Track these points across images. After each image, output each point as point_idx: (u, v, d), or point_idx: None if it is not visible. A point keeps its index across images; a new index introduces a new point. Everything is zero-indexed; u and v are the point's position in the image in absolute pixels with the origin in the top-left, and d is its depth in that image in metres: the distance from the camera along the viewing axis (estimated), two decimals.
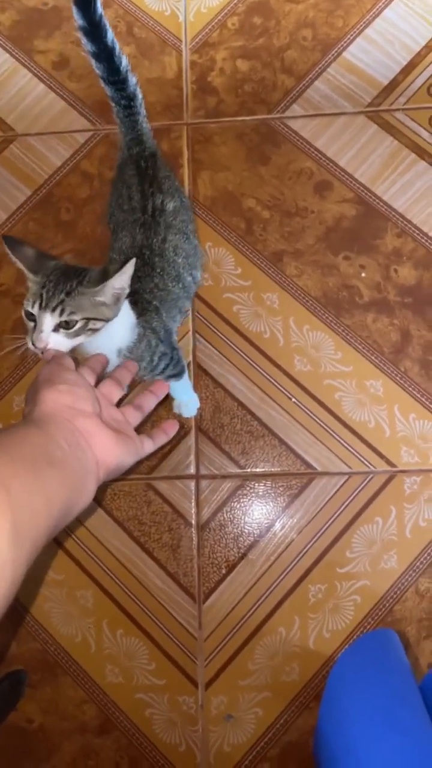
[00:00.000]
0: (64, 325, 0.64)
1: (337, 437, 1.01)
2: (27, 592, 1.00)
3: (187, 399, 1.00)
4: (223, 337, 1.05)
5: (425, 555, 0.96)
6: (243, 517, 1.00)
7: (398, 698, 0.70)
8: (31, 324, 0.65)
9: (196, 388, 1.03)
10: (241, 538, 0.99)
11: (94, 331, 0.66)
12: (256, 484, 1.01)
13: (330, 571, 0.97)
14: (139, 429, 0.62)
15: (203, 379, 1.04)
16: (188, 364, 1.04)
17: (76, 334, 0.65)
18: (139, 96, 0.85)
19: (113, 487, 1.02)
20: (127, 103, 0.84)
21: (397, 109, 1.12)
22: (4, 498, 0.39)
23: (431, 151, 1.10)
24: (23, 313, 0.65)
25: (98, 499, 1.02)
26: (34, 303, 0.64)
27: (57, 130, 1.17)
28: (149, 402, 0.65)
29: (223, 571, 0.98)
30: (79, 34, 0.78)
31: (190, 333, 1.06)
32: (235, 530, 0.99)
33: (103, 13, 0.76)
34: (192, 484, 1.01)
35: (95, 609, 0.98)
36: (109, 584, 0.99)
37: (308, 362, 1.03)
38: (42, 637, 0.99)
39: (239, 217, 1.10)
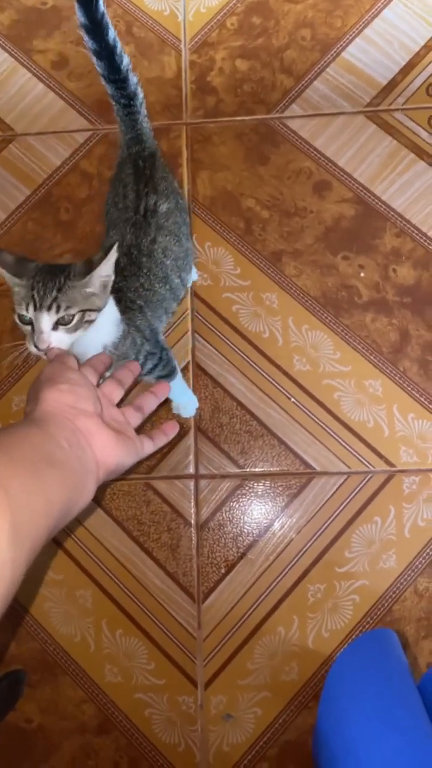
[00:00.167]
0: (62, 322, 0.64)
1: (336, 437, 1.01)
2: (26, 592, 1.00)
3: (184, 401, 1.00)
4: (222, 336, 1.05)
5: (424, 555, 0.97)
6: (242, 517, 1.00)
7: (397, 698, 0.70)
8: (28, 328, 0.65)
9: (195, 387, 1.03)
10: (240, 538, 0.99)
11: (90, 323, 0.67)
12: (255, 484, 1.01)
13: (329, 571, 0.97)
14: (139, 429, 0.62)
15: (202, 378, 1.04)
16: (187, 364, 1.04)
17: (75, 327, 0.65)
18: (140, 95, 0.85)
19: (112, 487, 1.02)
20: (127, 102, 0.84)
21: (396, 109, 1.12)
22: (3, 498, 0.39)
23: (430, 151, 1.10)
24: (16, 319, 0.65)
25: (97, 499, 1.02)
26: (27, 306, 0.64)
27: (56, 129, 1.17)
28: (150, 403, 0.65)
29: (222, 571, 0.98)
30: (81, 32, 0.78)
31: (189, 333, 1.06)
32: (234, 530, 0.99)
33: (105, 12, 0.76)
34: (191, 483, 1.01)
35: (94, 609, 0.99)
36: (109, 584, 0.99)
37: (307, 362, 1.03)
38: (41, 636, 0.99)
39: (238, 216, 1.10)
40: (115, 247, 0.64)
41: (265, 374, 1.03)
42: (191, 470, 1.01)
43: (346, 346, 1.04)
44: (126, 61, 0.81)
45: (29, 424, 0.49)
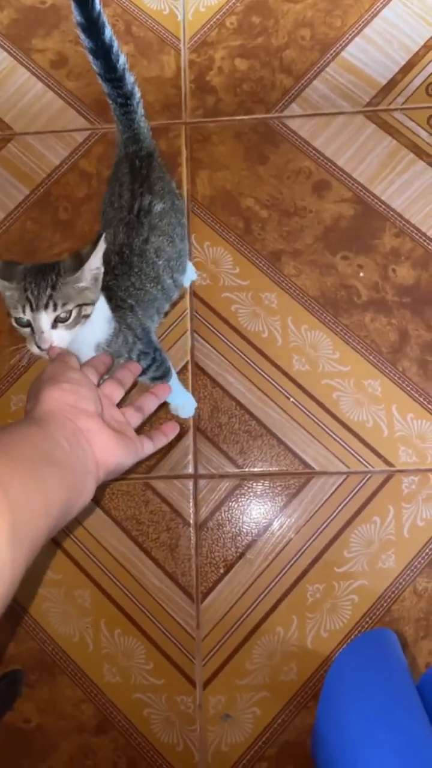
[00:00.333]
0: (60, 319, 0.64)
1: (335, 437, 1.01)
2: (25, 592, 1.00)
3: (182, 402, 1.00)
4: (221, 336, 1.05)
5: (423, 555, 0.97)
6: (241, 517, 1.00)
7: (396, 698, 0.70)
8: (27, 330, 0.65)
9: (194, 387, 1.03)
10: (239, 538, 0.99)
11: (87, 317, 0.67)
12: (254, 484, 1.01)
13: (328, 571, 0.97)
14: (138, 430, 0.62)
15: (201, 378, 1.04)
16: (186, 364, 1.04)
17: (74, 323, 0.65)
18: (137, 94, 0.84)
19: (112, 487, 1.02)
20: (124, 101, 0.84)
21: (396, 109, 1.12)
22: (3, 498, 0.38)
23: (429, 150, 1.10)
24: (13, 323, 0.65)
25: (97, 499, 1.02)
26: (23, 308, 0.64)
27: (55, 128, 1.16)
28: (150, 404, 0.65)
29: (221, 571, 0.98)
30: (78, 30, 0.78)
31: (188, 332, 1.06)
32: (233, 530, 0.99)
33: (101, 10, 0.76)
34: (190, 483, 1.01)
35: (93, 608, 0.98)
36: (107, 584, 0.99)
37: (306, 362, 1.03)
38: (40, 636, 0.98)
39: (237, 216, 1.09)
40: (103, 237, 0.64)
41: (264, 374, 1.03)
42: (190, 470, 1.01)
43: (345, 345, 1.04)
44: (122, 60, 0.81)
45: (29, 423, 0.49)
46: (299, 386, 1.03)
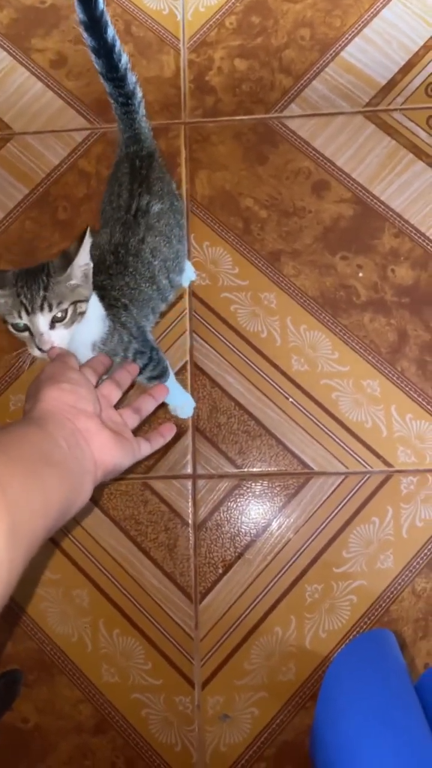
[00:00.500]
0: (57, 319, 0.64)
1: (334, 437, 1.01)
2: (23, 592, 1.00)
3: (180, 402, 1.00)
4: (220, 336, 1.05)
5: (422, 555, 0.97)
6: (240, 517, 1.00)
7: (394, 698, 0.70)
8: (25, 334, 0.65)
9: (192, 387, 1.03)
10: (237, 538, 0.99)
11: (83, 314, 0.67)
12: (253, 484, 1.01)
13: (326, 571, 0.97)
14: (136, 431, 0.62)
15: (200, 378, 1.04)
16: (185, 364, 1.04)
17: (71, 321, 0.66)
18: (138, 94, 0.84)
19: (110, 487, 1.02)
20: (125, 100, 0.84)
21: (395, 109, 1.12)
22: (1, 498, 0.38)
23: (429, 151, 1.10)
24: (10, 329, 0.66)
25: (95, 499, 1.02)
26: (19, 313, 0.64)
27: (54, 128, 1.16)
28: (148, 405, 0.65)
29: (220, 571, 0.98)
30: (80, 29, 0.78)
31: (187, 332, 1.06)
32: (231, 530, 0.99)
33: (104, 9, 0.76)
34: (189, 483, 1.01)
35: (91, 608, 0.98)
36: (106, 584, 0.99)
37: (305, 362, 1.03)
38: (38, 636, 0.98)
39: (237, 216, 1.09)
40: (88, 232, 0.65)
41: (263, 374, 1.03)
42: (189, 470, 1.01)
43: (344, 346, 1.04)
44: (125, 60, 0.81)
45: (28, 423, 0.49)
46: (298, 386, 1.03)
